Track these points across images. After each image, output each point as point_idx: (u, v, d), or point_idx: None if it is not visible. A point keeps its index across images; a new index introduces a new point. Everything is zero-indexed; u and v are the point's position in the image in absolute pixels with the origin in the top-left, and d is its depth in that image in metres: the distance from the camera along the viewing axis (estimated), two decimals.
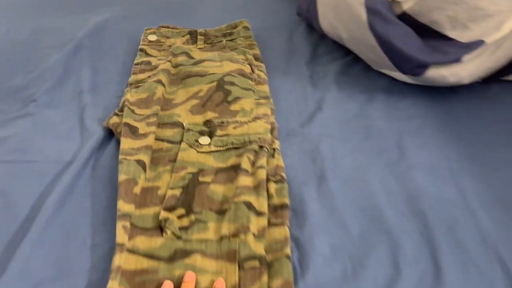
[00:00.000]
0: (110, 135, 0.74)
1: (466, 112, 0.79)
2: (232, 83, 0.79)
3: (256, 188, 0.63)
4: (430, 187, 0.65)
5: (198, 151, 0.69)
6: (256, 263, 0.54)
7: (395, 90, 0.84)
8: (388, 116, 0.78)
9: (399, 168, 0.68)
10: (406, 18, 0.78)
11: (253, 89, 0.80)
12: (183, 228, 0.59)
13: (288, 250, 0.56)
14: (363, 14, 0.79)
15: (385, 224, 0.60)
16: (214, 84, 0.80)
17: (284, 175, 0.66)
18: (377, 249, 0.57)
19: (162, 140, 0.71)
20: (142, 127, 0.71)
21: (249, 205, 0.60)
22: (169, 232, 0.58)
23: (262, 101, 0.79)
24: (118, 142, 0.71)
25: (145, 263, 0.55)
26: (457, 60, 0.74)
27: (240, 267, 0.54)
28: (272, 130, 0.73)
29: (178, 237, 0.57)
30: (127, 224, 0.58)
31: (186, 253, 0.56)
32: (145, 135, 0.70)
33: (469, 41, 0.75)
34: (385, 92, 0.83)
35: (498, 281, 0.54)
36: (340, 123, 0.76)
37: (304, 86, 0.85)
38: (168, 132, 0.72)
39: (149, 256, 0.56)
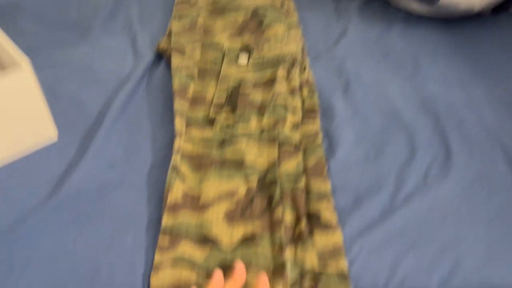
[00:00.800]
0: (159, 57, 0.84)
1: (476, 37, 0.87)
2: (264, 15, 0.89)
3: (290, 93, 0.73)
4: (442, 93, 0.74)
5: (238, 70, 0.79)
6: (291, 148, 0.64)
7: (412, 22, 0.92)
8: (405, 41, 0.87)
9: (415, 80, 0.77)
10: None
11: (283, 19, 0.90)
12: (229, 126, 0.69)
13: (319, 140, 0.66)
14: None
15: (402, 121, 0.70)
16: (249, 15, 0.89)
17: (314, 83, 0.76)
18: (396, 139, 0.67)
19: (206, 61, 0.81)
20: (188, 49, 0.81)
21: (284, 105, 0.70)
22: (218, 126, 0.68)
23: (292, 31, 0.88)
24: (167, 63, 0.81)
25: (200, 149, 0.66)
26: None
27: (279, 148, 0.64)
28: (302, 51, 0.83)
29: (226, 130, 0.68)
30: (183, 119, 0.68)
31: (233, 141, 0.66)
32: (191, 55, 0.80)
33: None
34: (402, 22, 0.92)
35: (499, 160, 0.64)
36: (362, 47, 0.86)
37: (329, 18, 0.94)
38: (211, 55, 0.82)
39: (203, 144, 0.66)
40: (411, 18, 0.94)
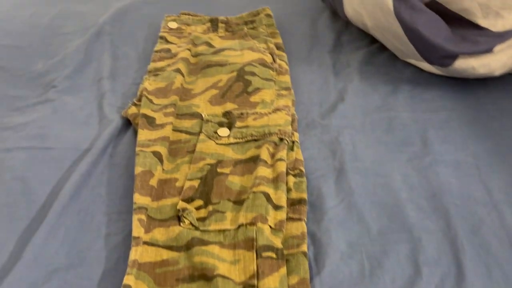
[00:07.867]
0: (128, 123, 0.73)
1: (495, 105, 0.75)
2: (253, 73, 0.78)
3: (275, 181, 0.61)
4: (454, 183, 0.62)
5: (217, 143, 0.68)
6: (273, 255, 0.53)
7: (421, 81, 0.80)
8: (412, 108, 0.75)
9: (422, 163, 0.65)
10: (434, 5, 0.75)
11: (273, 79, 0.79)
12: (201, 219, 0.58)
13: (305, 247, 0.55)
14: (389, 0, 0.75)
15: (405, 222, 0.58)
16: (234, 74, 0.78)
17: (303, 169, 0.64)
18: (397, 248, 0.55)
19: (181, 131, 0.70)
20: (159, 118, 0.70)
21: (267, 197, 0.59)
22: (186, 222, 0.57)
23: (283, 92, 0.77)
24: (135, 131, 0.70)
25: (164, 254, 0.55)
26: (488, 50, 0.71)
27: (258, 255, 0.53)
28: (292, 122, 0.71)
29: (196, 228, 0.57)
30: (143, 217, 0.57)
31: (203, 242, 0.55)
32: (162, 126, 0.69)
33: (502, 30, 0.71)
34: (410, 83, 0.80)
35: None
36: (362, 115, 0.74)
37: (326, 76, 0.83)
38: (187, 123, 0.71)
39: (168, 247, 0.55)
40: (420, 76, 0.81)
